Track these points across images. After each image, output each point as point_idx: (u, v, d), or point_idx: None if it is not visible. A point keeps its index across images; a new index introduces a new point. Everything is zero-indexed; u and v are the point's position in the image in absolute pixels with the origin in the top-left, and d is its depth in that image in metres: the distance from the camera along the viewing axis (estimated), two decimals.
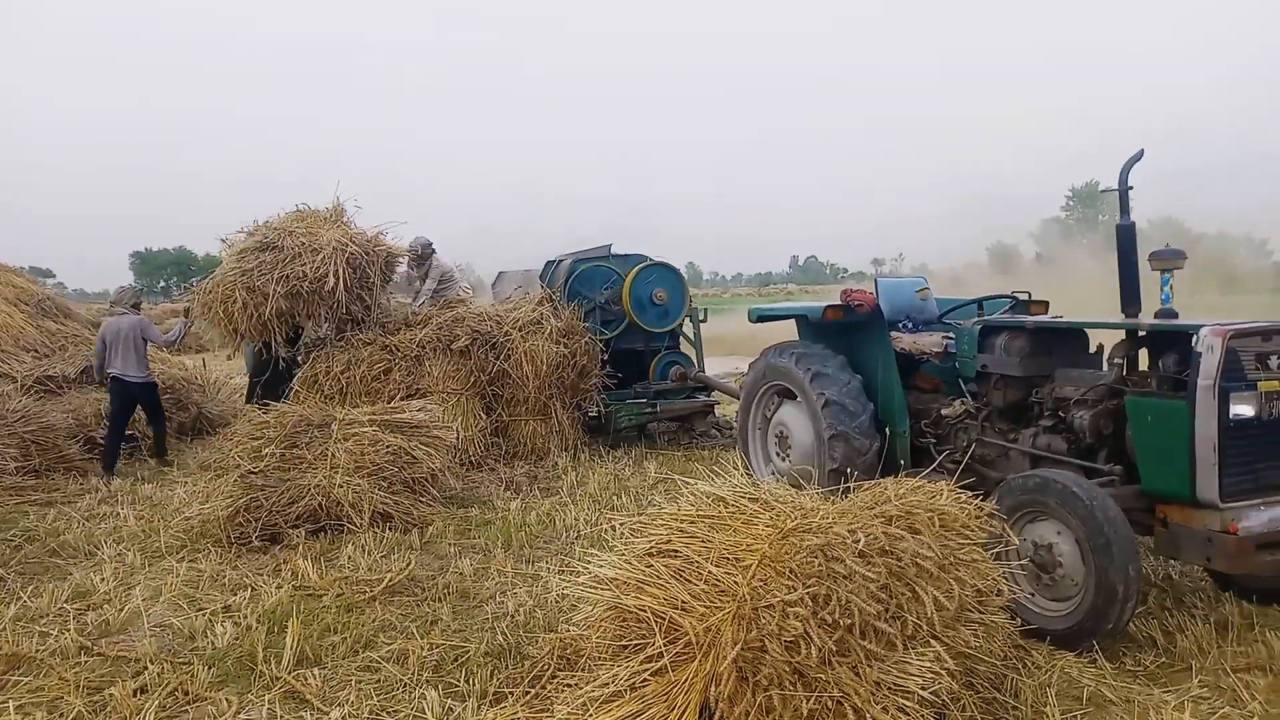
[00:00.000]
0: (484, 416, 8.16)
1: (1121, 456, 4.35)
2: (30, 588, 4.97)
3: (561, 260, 9.39)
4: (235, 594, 4.85)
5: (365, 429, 6.36)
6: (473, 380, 8.16)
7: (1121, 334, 4.55)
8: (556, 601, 4.57)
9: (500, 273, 10.48)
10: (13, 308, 9.94)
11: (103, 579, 5.10)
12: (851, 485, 3.74)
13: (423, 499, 6.31)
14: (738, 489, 3.85)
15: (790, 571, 3.23)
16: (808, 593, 3.09)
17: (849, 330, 5.64)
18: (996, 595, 3.43)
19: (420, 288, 9.57)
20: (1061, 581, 3.96)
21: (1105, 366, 4.49)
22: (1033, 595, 3.98)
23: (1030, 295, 5.70)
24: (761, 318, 6.15)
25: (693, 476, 6.95)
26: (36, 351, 9.65)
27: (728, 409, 9.90)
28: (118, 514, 6.68)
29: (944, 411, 5.37)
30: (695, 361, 9.46)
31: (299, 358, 8.38)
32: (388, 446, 6.28)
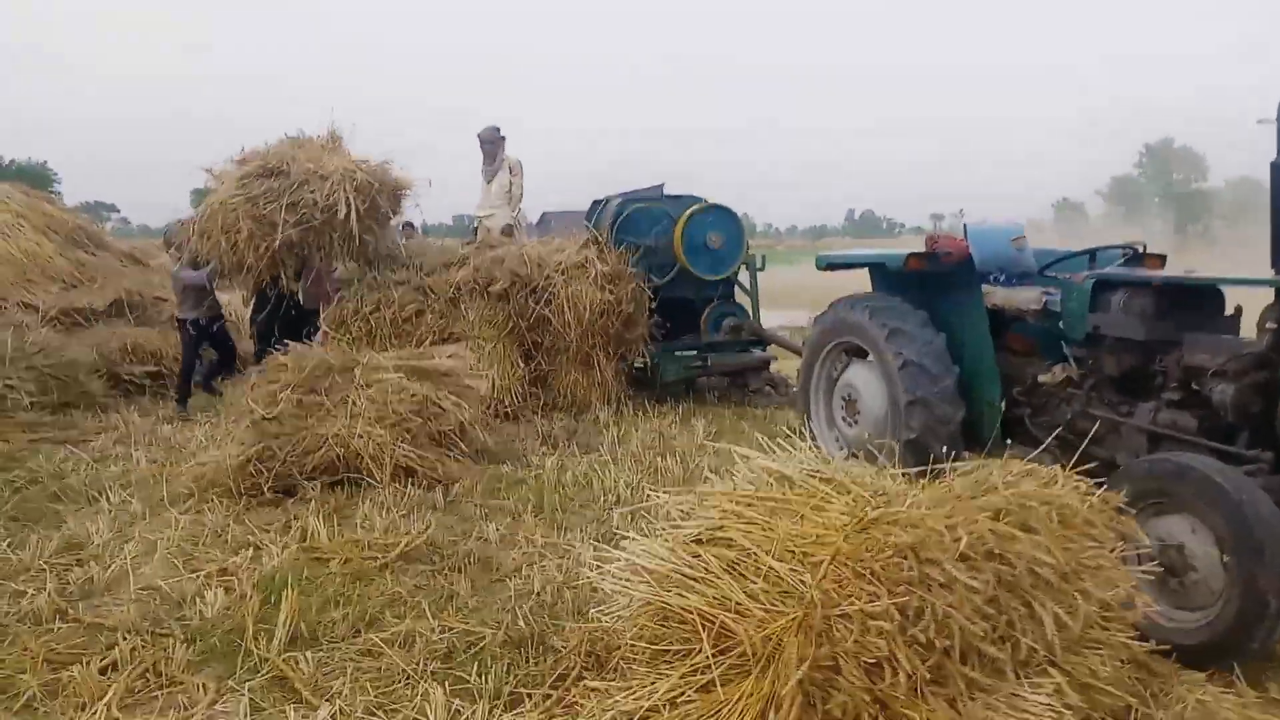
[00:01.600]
0: (522, 365, 7.61)
1: (1269, 440, 3.62)
2: (17, 537, 4.56)
3: (609, 200, 8.71)
4: (236, 553, 4.39)
5: (390, 375, 5.83)
6: (511, 326, 7.59)
7: (1272, 294, 3.79)
8: (589, 580, 4.02)
9: (544, 214, 9.86)
10: (41, 236, 9.58)
11: (97, 530, 4.69)
12: (947, 467, 3.08)
13: (450, 453, 5.79)
14: (805, 465, 3.24)
15: (872, 574, 2.62)
16: (895, 603, 2.48)
17: (931, 282, 4.93)
18: (1127, 610, 2.78)
19: (493, 187, 9.07)
20: (1193, 588, 3.28)
21: (1255, 333, 3.74)
22: (1154, 602, 3.31)
23: (1145, 247, 4.92)
24: (830, 265, 5.44)
25: (745, 441, 6.26)
26: (64, 282, 9.30)
27: (784, 365, 9.23)
28: (130, 456, 6.29)
29: (1041, 378, 4.66)
30: (751, 313, 8.77)
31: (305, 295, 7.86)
32: (413, 395, 5.75)
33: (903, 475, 3.16)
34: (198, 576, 4.09)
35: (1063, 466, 3.11)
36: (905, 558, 2.58)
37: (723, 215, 8.46)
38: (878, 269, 5.18)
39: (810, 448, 3.33)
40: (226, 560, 4.27)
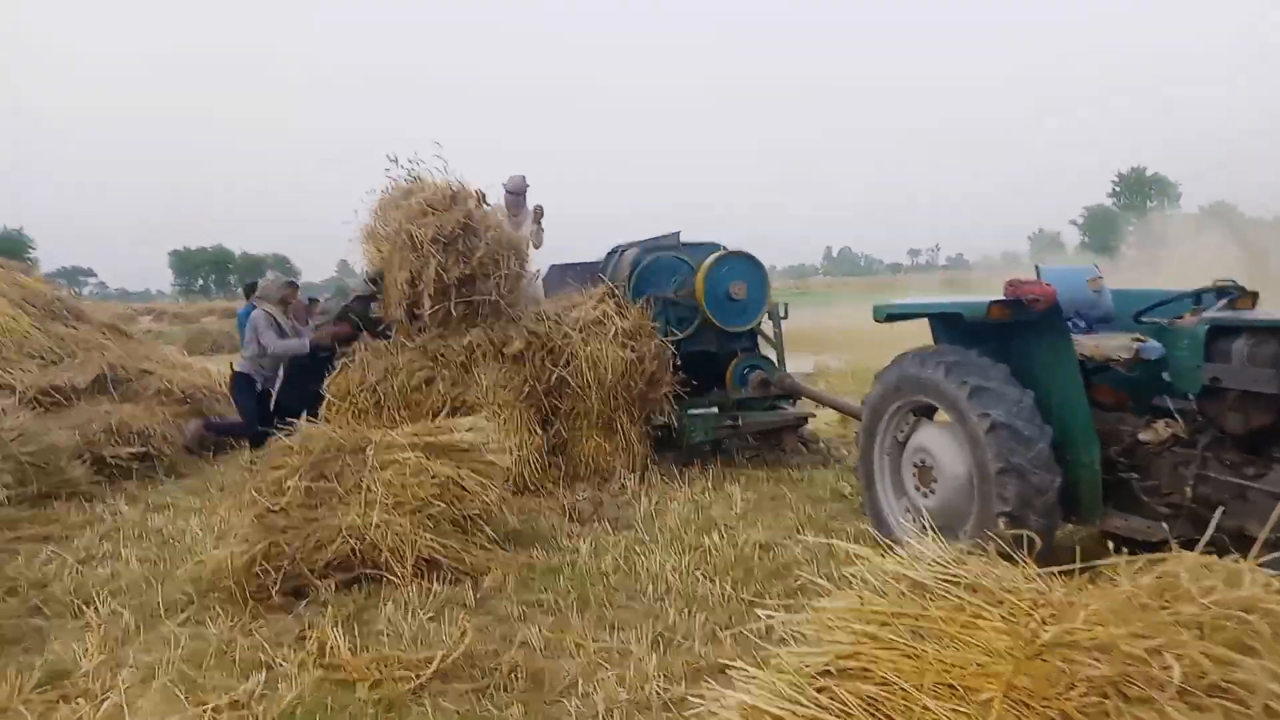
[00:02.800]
0: (540, 432, 7.07)
1: None
2: None
3: (625, 250, 8.26)
4: (247, 677, 3.81)
5: (407, 455, 5.29)
6: (527, 390, 7.07)
7: None
8: (659, 694, 3.49)
9: (552, 266, 9.38)
10: (18, 310, 9.01)
11: (86, 652, 4.10)
12: (1112, 562, 2.56)
13: (474, 540, 5.23)
14: (936, 566, 2.73)
15: (1064, 717, 2.11)
16: None
17: (1010, 332, 4.47)
18: None
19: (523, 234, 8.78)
20: None
21: None
22: None
23: (1236, 284, 4.50)
24: (892, 316, 4.96)
25: (789, 509, 5.67)
26: (43, 359, 8.72)
27: (818, 421, 8.73)
28: (119, 554, 5.69)
29: (1142, 436, 4.20)
30: (777, 364, 8.28)
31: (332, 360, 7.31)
32: (434, 476, 5.21)
33: (1053, 573, 2.65)
34: (205, 712, 3.50)
35: (1241, 556, 2.62)
36: (1106, 696, 2.07)
37: (745, 262, 8.01)
38: (950, 318, 4.71)
39: (937, 540, 2.83)
40: (237, 689, 3.69)
